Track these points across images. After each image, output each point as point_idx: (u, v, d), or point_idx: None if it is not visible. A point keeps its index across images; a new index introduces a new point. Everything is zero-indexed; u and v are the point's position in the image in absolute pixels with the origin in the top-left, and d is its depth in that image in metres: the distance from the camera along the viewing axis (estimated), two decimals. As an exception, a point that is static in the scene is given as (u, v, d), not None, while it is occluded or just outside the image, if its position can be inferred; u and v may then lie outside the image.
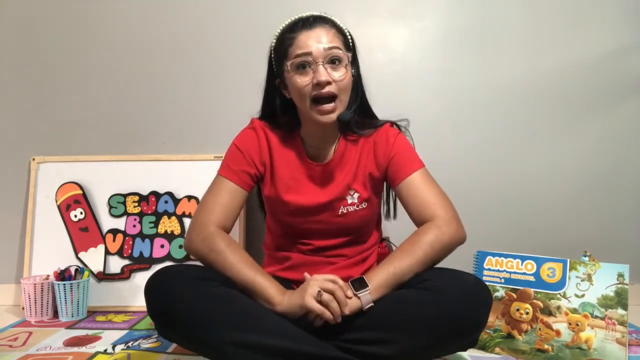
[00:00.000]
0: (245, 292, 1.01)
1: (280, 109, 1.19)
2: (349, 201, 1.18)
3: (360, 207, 1.19)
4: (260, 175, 1.19)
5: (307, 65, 1.07)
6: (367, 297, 0.98)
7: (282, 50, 1.11)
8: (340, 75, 1.08)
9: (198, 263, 1.11)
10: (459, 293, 0.96)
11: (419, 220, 1.12)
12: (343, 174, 1.18)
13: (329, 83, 1.06)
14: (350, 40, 1.15)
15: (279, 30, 1.13)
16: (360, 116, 1.20)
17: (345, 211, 1.18)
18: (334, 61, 1.08)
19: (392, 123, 1.23)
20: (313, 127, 1.17)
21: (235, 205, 1.15)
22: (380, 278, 1.01)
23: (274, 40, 1.15)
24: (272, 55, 1.17)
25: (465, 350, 1.03)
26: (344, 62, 1.09)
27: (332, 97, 1.08)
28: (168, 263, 1.65)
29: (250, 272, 1.02)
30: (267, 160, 1.19)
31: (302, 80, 1.08)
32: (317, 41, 1.07)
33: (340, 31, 1.12)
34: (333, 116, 1.09)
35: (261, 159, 1.18)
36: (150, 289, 0.98)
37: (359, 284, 0.99)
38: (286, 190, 1.18)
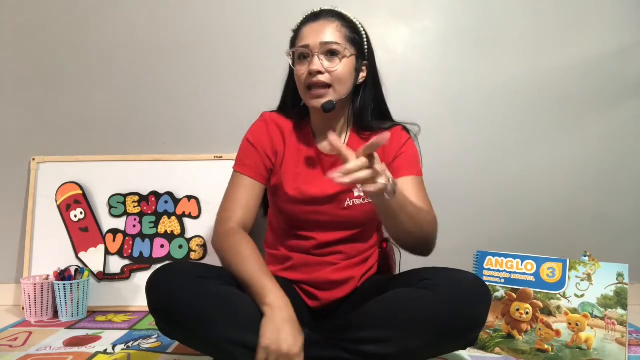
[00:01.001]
0: (247, 289, 1.01)
1: (293, 97, 1.23)
2: (356, 194, 1.19)
3: (366, 201, 1.19)
4: (272, 165, 1.21)
5: (305, 56, 1.13)
6: (393, 187, 0.92)
7: (292, 40, 1.18)
8: (333, 65, 1.12)
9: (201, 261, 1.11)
10: (458, 291, 0.96)
11: None
12: None
13: (320, 72, 1.11)
14: (362, 34, 1.18)
15: (297, 24, 1.19)
16: (376, 116, 1.22)
17: (351, 204, 1.18)
18: (330, 53, 1.12)
19: (404, 127, 1.25)
20: (318, 117, 1.21)
21: (255, 199, 1.18)
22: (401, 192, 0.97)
23: (292, 33, 1.20)
24: (290, 45, 1.21)
25: (465, 348, 1.03)
26: (340, 55, 1.12)
27: (325, 86, 1.12)
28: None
29: (263, 277, 1.01)
30: (280, 148, 1.21)
31: (299, 69, 1.14)
32: (317, 34, 1.12)
33: (347, 25, 1.15)
34: (322, 100, 1.12)
35: (274, 149, 1.20)
36: (152, 286, 0.98)
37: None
38: (294, 179, 1.19)
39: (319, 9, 1.17)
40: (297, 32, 1.17)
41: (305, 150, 1.21)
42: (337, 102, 1.14)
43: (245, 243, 1.08)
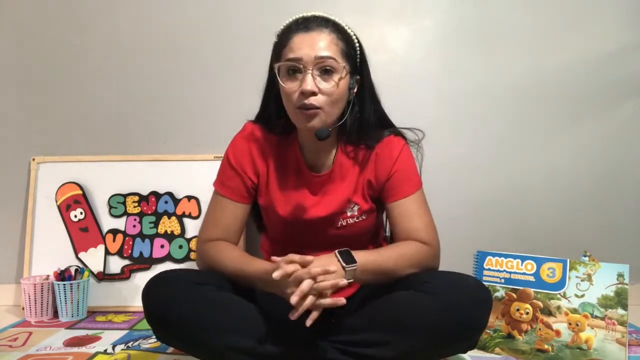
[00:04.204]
0: (243, 280, 1.03)
1: (276, 107, 1.13)
2: (349, 214, 1.14)
3: (360, 219, 1.15)
4: (255, 185, 1.16)
5: (296, 70, 1.01)
6: (352, 273, 0.97)
7: (278, 49, 1.06)
8: (329, 87, 1.01)
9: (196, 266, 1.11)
10: (459, 296, 0.95)
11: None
12: (343, 186, 1.14)
13: (313, 94, 1.00)
14: (356, 47, 1.08)
15: (281, 28, 1.07)
16: (377, 127, 1.14)
17: (344, 223, 1.15)
18: (326, 70, 1.01)
19: (397, 133, 1.17)
20: (307, 135, 1.12)
21: (236, 220, 1.14)
22: (367, 260, 1.00)
23: (276, 38, 1.09)
24: (272, 53, 1.11)
25: (465, 352, 1.03)
26: (337, 73, 1.01)
27: (316, 105, 1.01)
28: (168, 263, 1.66)
29: (247, 263, 1.04)
30: (263, 169, 1.15)
31: (289, 87, 1.02)
32: (310, 46, 1.00)
33: (342, 37, 1.04)
34: (315, 123, 1.02)
35: (255, 170, 1.14)
36: (147, 295, 0.99)
37: (347, 257, 0.98)
38: (283, 202, 1.14)
39: (309, 14, 1.05)
40: (283, 40, 1.03)
41: (292, 170, 1.15)
42: (331, 127, 1.05)
43: (231, 248, 1.10)
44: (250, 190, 1.15)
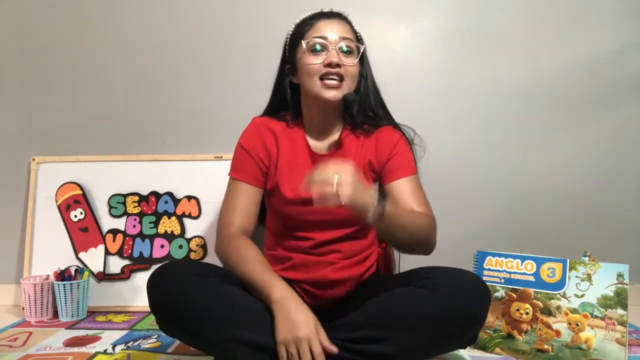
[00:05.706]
0: (252, 289, 1.02)
1: (285, 97, 1.23)
2: None
3: None
4: (267, 168, 1.22)
5: (321, 48, 1.14)
6: (381, 208, 0.96)
7: (299, 34, 1.18)
8: (350, 62, 1.15)
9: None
10: (458, 290, 0.96)
11: None
12: None
13: (339, 65, 1.13)
14: (362, 45, 1.21)
15: (299, 19, 1.21)
16: (378, 114, 1.24)
17: None
18: (346, 50, 1.15)
19: (395, 125, 1.25)
20: (316, 112, 1.21)
21: (253, 204, 1.19)
22: (390, 209, 0.99)
23: (292, 27, 1.22)
24: (287, 42, 1.23)
25: (465, 347, 1.04)
26: (354, 53, 1.17)
27: (340, 79, 1.14)
28: (168, 263, 1.66)
29: (267, 275, 1.03)
30: (274, 151, 1.21)
31: (314, 60, 1.14)
32: (333, 30, 1.15)
33: (353, 30, 1.21)
34: (338, 94, 1.14)
35: (267, 153, 1.21)
36: (153, 285, 0.99)
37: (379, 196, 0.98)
38: (290, 180, 1.19)
39: (329, 9, 1.20)
40: (305, 26, 1.18)
41: (299, 151, 1.22)
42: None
43: (248, 246, 1.10)
44: (263, 173, 1.21)
